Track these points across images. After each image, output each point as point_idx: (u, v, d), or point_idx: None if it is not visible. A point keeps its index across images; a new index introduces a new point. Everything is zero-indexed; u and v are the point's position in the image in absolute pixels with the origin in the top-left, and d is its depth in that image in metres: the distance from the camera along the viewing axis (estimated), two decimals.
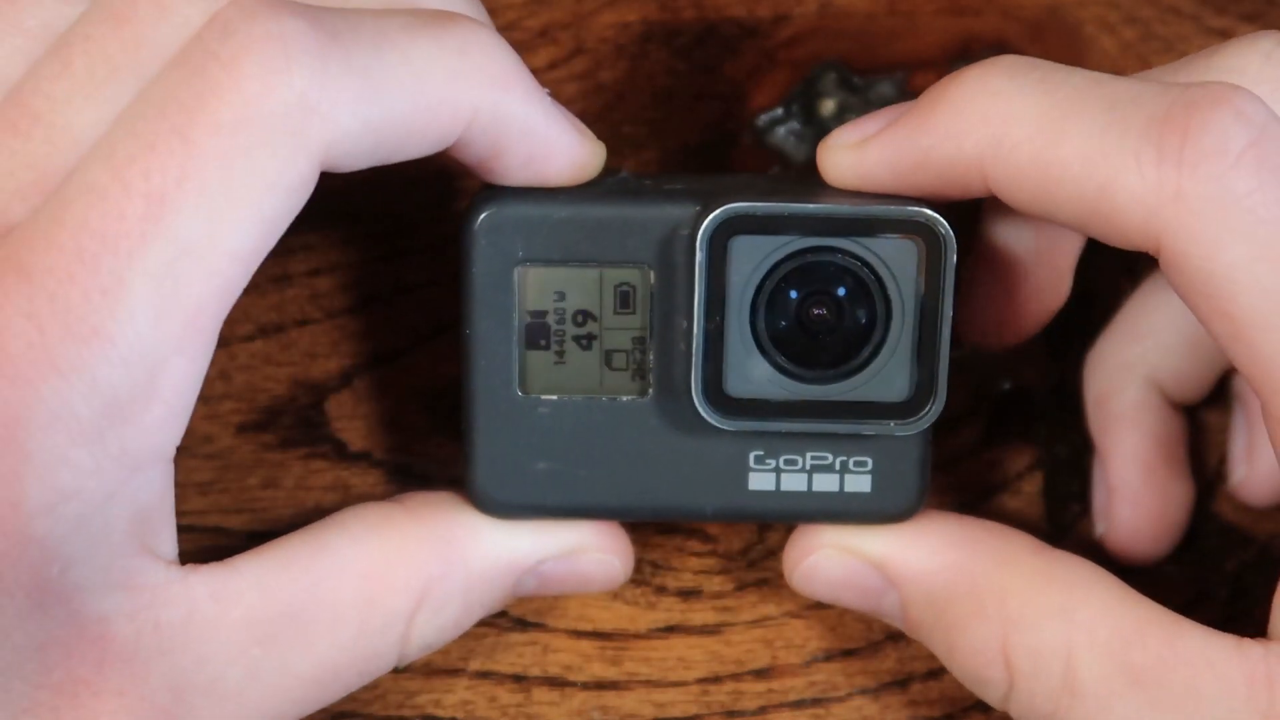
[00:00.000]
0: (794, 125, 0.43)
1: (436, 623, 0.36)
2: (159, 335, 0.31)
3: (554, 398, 0.37)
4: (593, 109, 0.42)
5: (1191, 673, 0.33)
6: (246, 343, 0.42)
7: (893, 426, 0.36)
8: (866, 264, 0.35)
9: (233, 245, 0.31)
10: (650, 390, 0.37)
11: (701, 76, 0.43)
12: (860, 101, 0.43)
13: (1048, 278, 0.39)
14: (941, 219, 0.35)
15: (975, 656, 0.36)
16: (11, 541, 0.32)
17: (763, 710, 0.41)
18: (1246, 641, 0.34)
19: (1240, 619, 0.38)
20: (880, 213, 0.35)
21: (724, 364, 0.35)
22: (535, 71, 0.42)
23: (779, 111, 0.43)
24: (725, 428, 0.36)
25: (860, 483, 0.37)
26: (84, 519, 0.32)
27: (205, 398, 0.41)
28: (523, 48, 0.42)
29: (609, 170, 0.37)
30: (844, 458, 0.37)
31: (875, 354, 0.36)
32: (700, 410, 0.36)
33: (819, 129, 0.43)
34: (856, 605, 0.38)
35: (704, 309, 0.35)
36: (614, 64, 0.43)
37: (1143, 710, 0.34)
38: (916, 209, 0.35)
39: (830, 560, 0.37)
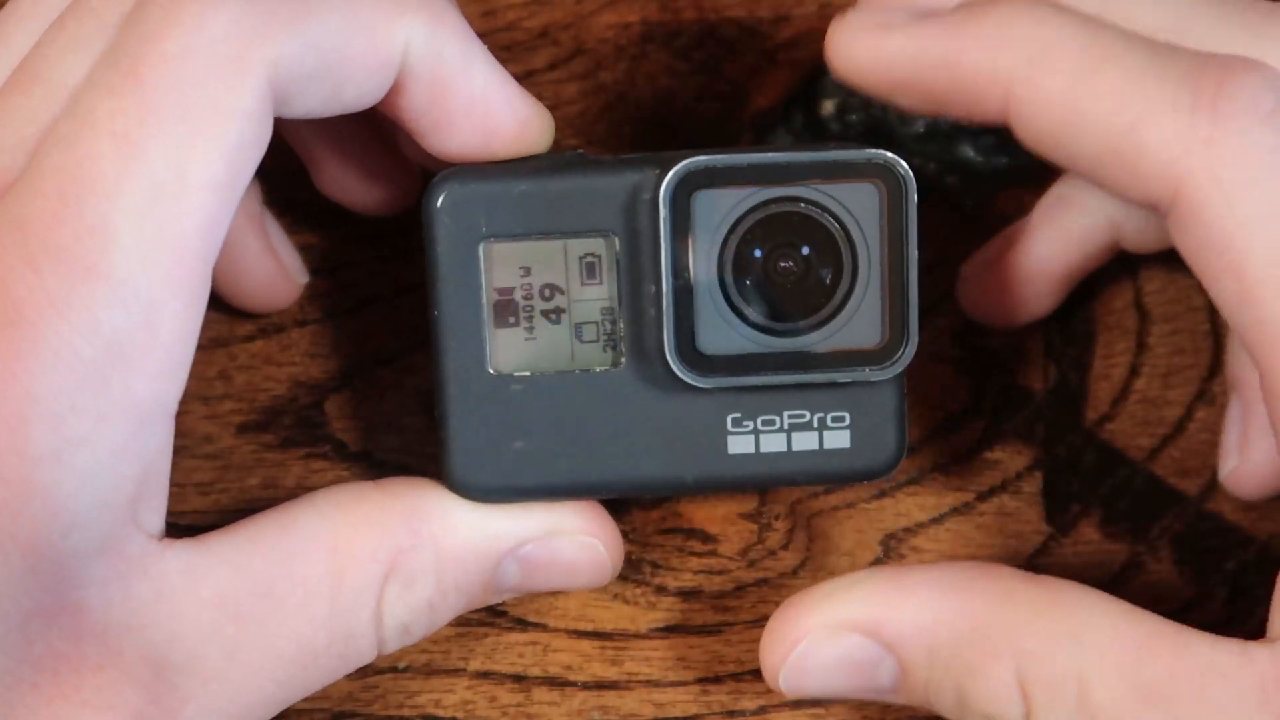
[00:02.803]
0: (794, 125, 0.43)
1: (408, 600, 0.36)
2: (151, 274, 0.32)
3: (527, 374, 0.36)
4: (593, 109, 0.42)
5: (1202, 684, 0.33)
6: (246, 343, 0.42)
7: (868, 372, 0.36)
8: (830, 211, 0.35)
9: (203, 176, 0.32)
10: (623, 360, 0.36)
11: (701, 77, 0.43)
12: (860, 101, 0.43)
13: (1045, 287, 0.40)
14: (901, 160, 0.35)
15: (992, 697, 0.35)
16: (13, 490, 0.31)
17: (763, 710, 0.41)
18: (1251, 645, 0.34)
19: (1240, 618, 0.38)
20: (839, 156, 0.35)
21: (695, 322, 0.35)
22: (535, 71, 0.42)
23: (779, 111, 0.43)
24: (701, 385, 0.36)
25: (839, 439, 0.37)
26: (93, 474, 0.32)
27: (205, 398, 0.41)
28: (523, 48, 0.42)
29: (565, 149, 0.37)
30: (821, 414, 0.36)
31: (845, 301, 0.36)
32: (675, 370, 0.35)
33: (819, 129, 0.43)
34: (849, 688, 0.36)
35: (671, 267, 0.35)
36: (614, 64, 0.43)
37: None
38: (876, 151, 0.35)
39: (820, 644, 0.36)
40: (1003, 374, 0.43)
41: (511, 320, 0.36)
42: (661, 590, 0.42)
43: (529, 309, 0.36)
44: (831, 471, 0.37)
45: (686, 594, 0.42)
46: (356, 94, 0.34)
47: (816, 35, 0.43)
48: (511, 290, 0.36)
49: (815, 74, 0.43)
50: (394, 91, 0.35)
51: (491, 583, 0.37)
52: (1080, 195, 0.40)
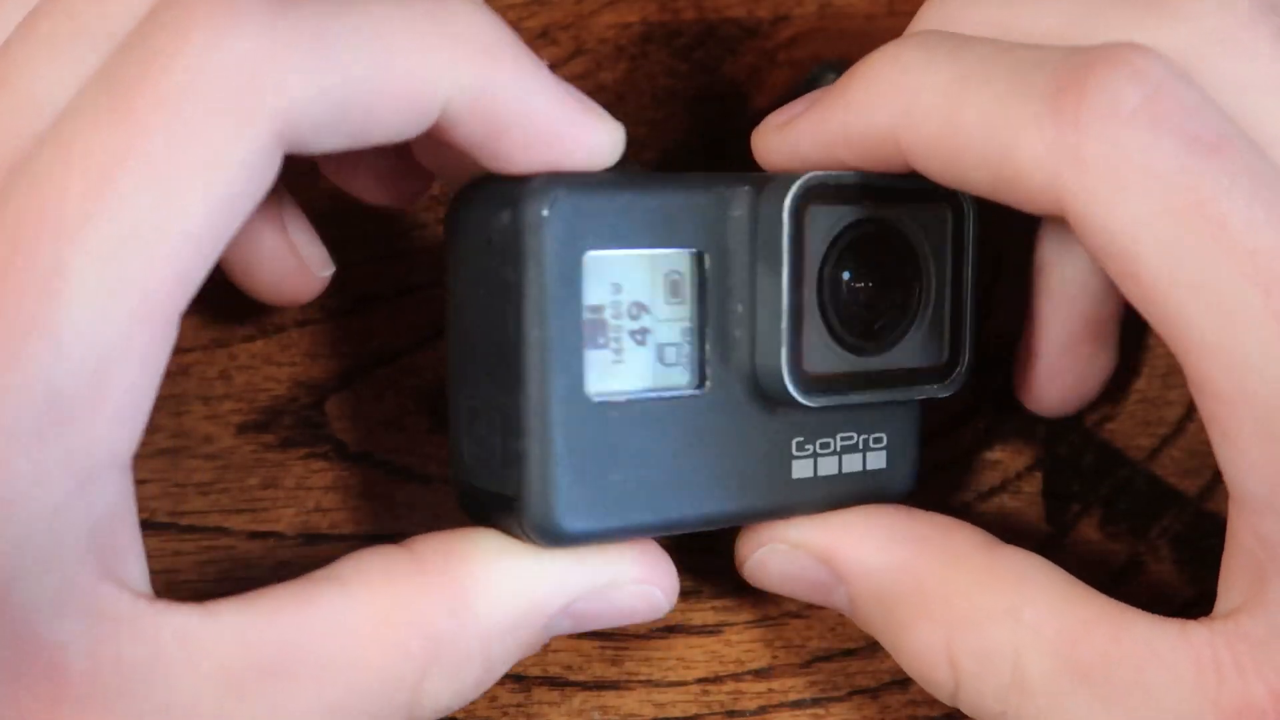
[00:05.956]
0: None
1: (454, 687, 0.33)
2: (105, 327, 0.29)
3: (622, 400, 0.34)
4: None
5: (1138, 665, 0.33)
6: (247, 343, 0.42)
7: (936, 389, 0.36)
8: (911, 233, 0.36)
9: (184, 226, 0.29)
10: (705, 384, 0.35)
11: (701, 77, 0.43)
12: None
13: (1090, 348, 0.40)
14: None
15: (921, 657, 0.35)
16: None
17: (763, 710, 0.41)
18: (1190, 625, 0.33)
19: None
20: (924, 183, 0.34)
21: (802, 341, 0.34)
22: None
23: None
24: (811, 404, 0.35)
25: (878, 459, 0.37)
26: (28, 532, 0.29)
27: (205, 398, 0.41)
28: None
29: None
30: (865, 435, 0.37)
31: (922, 320, 0.36)
32: (790, 390, 0.34)
33: None
34: (808, 598, 0.38)
35: (791, 283, 0.34)
36: (614, 64, 0.43)
37: (1094, 706, 0.33)
38: None
39: (778, 555, 0.37)
40: (1003, 374, 0.43)
41: (601, 341, 0.34)
42: None
43: (618, 329, 0.34)
44: (869, 492, 0.37)
45: (686, 594, 0.42)
46: (387, 135, 0.31)
47: (816, 35, 0.43)
48: (602, 309, 0.34)
49: (815, 74, 0.43)
50: (439, 127, 0.32)
51: (543, 638, 0.35)
52: (1051, 254, 0.40)
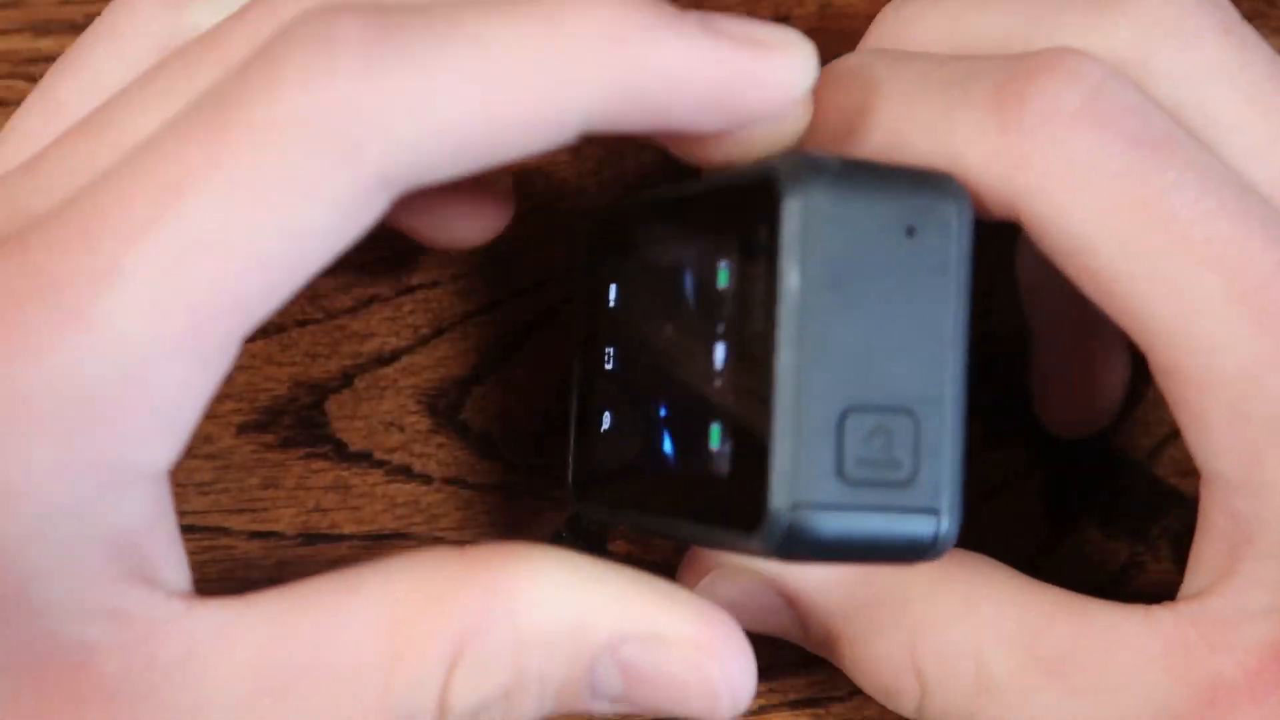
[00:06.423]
0: None
1: (483, 688, 0.30)
2: (152, 331, 0.28)
3: None
4: None
5: (1104, 652, 0.33)
6: (246, 343, 0.41)
7: None
8: None
9: (253, 248, 0.28)
10: None
11: None
12: None
13: (1111, 356, 0.40)
14: None
15: (884, 668, 0.34)
16: None
17: (763, 710, 0.41)
18: (1155, 610, 0.33)
19: None
20: None
21: None
22: None
23: None
24: None
25: None
26: (46, 529, 0.29)
27: None
28: None
29: None
30: None
31: None
32: None
33: None
34: (761, 626, 0.36)
35: None
36: None
37: (1063, 697, 0.33)
38: None
39: (721, 580, 0.36)
40: (1003, 374, 0.43)
41: None
42: None
43: None
44: None
45: None
46: (524, 154, 0.30)
47: (816, 35, 0.42)
48: None
49: None
50: (593, 127, 0.30)
51: (587, 683, 0.31)
52: (1036, 276, 0.40)
